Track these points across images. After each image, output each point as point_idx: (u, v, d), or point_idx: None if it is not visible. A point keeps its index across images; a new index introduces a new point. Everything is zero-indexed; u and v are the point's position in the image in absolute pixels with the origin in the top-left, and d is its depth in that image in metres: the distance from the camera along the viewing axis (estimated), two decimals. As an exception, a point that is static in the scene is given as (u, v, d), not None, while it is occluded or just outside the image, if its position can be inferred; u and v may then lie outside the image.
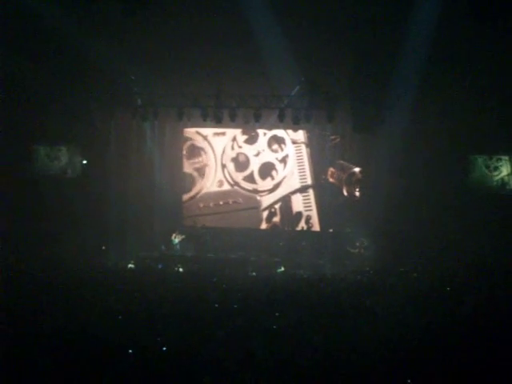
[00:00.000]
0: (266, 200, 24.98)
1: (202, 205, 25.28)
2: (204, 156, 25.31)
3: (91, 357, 9.56)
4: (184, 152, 25.33)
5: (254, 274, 20.75)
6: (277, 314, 12.73)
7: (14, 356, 9.42)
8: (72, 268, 18.46)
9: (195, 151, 25.36)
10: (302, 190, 24.71)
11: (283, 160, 24.76)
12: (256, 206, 25.05)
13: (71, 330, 10.99)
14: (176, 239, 23.33)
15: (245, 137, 25.00)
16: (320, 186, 24.36)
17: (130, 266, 21.36)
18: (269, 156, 24.84)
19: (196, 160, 25.37)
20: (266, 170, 24.82)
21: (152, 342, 10.45)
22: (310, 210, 24.72)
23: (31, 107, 21.89)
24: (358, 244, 23.01)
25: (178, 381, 8.99)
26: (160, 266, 21.60)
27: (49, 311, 12.51)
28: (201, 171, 25.32)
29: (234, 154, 25.10)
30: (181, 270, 21.11)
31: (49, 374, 8.98)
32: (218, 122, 21.75)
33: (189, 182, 25.37)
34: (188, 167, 25.38)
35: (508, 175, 21.48)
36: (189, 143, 25.34)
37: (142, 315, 12.39)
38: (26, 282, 15.50)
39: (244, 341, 10.67)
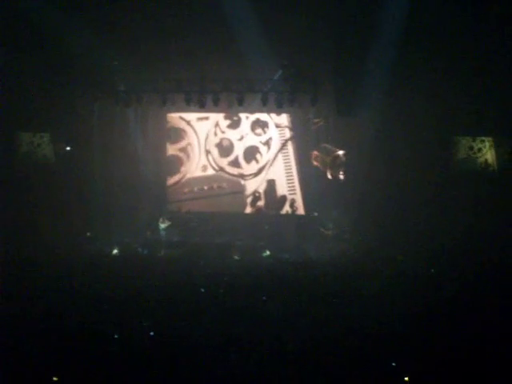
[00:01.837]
0: (251, 184, 24.97)
1: (186, 190, 25.24)
2: (187, 141, 25.26)
3: (78, 342, 9.59)
4: (167, 137, 25.29)
5: (239, 258, 20.76)
6: (263, 298, 12.79)
7: (3, 343, 9.46)
8: (57, 255, 18.45)
9: (179, 136, 25.30)
10: (286, 173, 24.76)
11: (267, 143, 24.75)
12: (240, 191, 25.04)
13: (57, 315, 11.01)
14: (163, 224, 23.28)
15: (227, 122, 24.94)
16: (304, 169, 24.39)
17: (114, 251, 21.31)
18: (252, 139, 24.81)
19: (179, 145, 25.32)
20: (251, 153, 24.80)
21: (139, 327, 10.49)
22: (295, 193, 24.75)
23: (14, 94, 21.75)
24: (331, 226, 23.09)
25: (165, 365, 9.04)
26: (145, 252, 21.59)
27: (34, 298, 12.51)
28: (184, 156, 25.28)
29: (217, 140, 25.05)
30: (166, 255, 21.11)
31: (37, 358, 9.03)
32: (201, 106, 21.77)
33: (172, 167, 25.34)
34: (172, 152, 25.33)
35: (492, 156, 21.61)
36: (172, 128, 25.29)
37: (128, 301, 12.42)
38: (11, 269, 15.49)
39: (230, 325, 10.73)
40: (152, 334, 10.23)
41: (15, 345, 9.44)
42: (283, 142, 24.65)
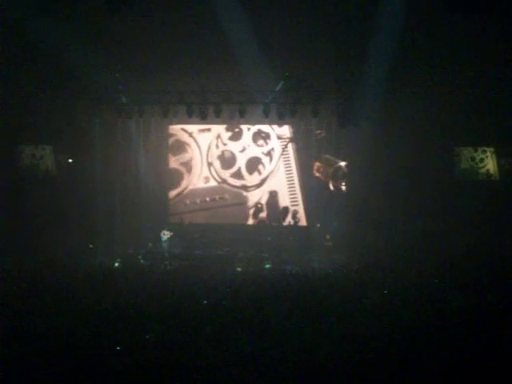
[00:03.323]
0: (253, 195, 24.97)
1: (188, 201, 25.24)
2: (189, 152, 25.27)
3: (79, 354, 9.56)
4: (169, 149, 25.29)
5: (241, 269, 20.71)
6: (265, 310, 12.74)
7: (4, 356, 9.42)
8: (59, 267, 18.41)
9: (181, 148, 25.31)
10: (288, 184, 24.74)
11: (269, 153, 24.76)
12: (243, 202, 25.04)
13: (59, 328, 10.98)
14: (165, 236, 23.27)
15: (229, 134, 24.96)
16: (306, 180, 24.37)
17: (116, 263, 21.27)
18: (254, 151, 24.83)
19: (181, 157, 25.33)
20: (253, 165, 24.80)
21: (141, 340, 10.45)
22: (297, 204, 24.73)
23: (15, 107, 21.79)
24: (328, 237, 23.05)
25: (167, 377, 9.01)
26: (147, 264, 21.55)
27: (36, 310, 12.48)
28: (187, 168, 25.28)
29: (219, 152, 25.06)
30: (168, 267, 21.06)
31: (39, 371, 8.99)
32: (203, 118, 21.79)
33: (175, 178, 25.33)
34: (174, 164, 25.34)
35: (494, 167, 21.62)
36: (174, 140, 25.30)
37: (131, 313, 12.38)
38: (13, 281, 15.47)
39: (233, 337, 10.69)
40: (153, 344, 10.21)
41: (15, 359, 9.40)
42: (285, 153, 24.66)
